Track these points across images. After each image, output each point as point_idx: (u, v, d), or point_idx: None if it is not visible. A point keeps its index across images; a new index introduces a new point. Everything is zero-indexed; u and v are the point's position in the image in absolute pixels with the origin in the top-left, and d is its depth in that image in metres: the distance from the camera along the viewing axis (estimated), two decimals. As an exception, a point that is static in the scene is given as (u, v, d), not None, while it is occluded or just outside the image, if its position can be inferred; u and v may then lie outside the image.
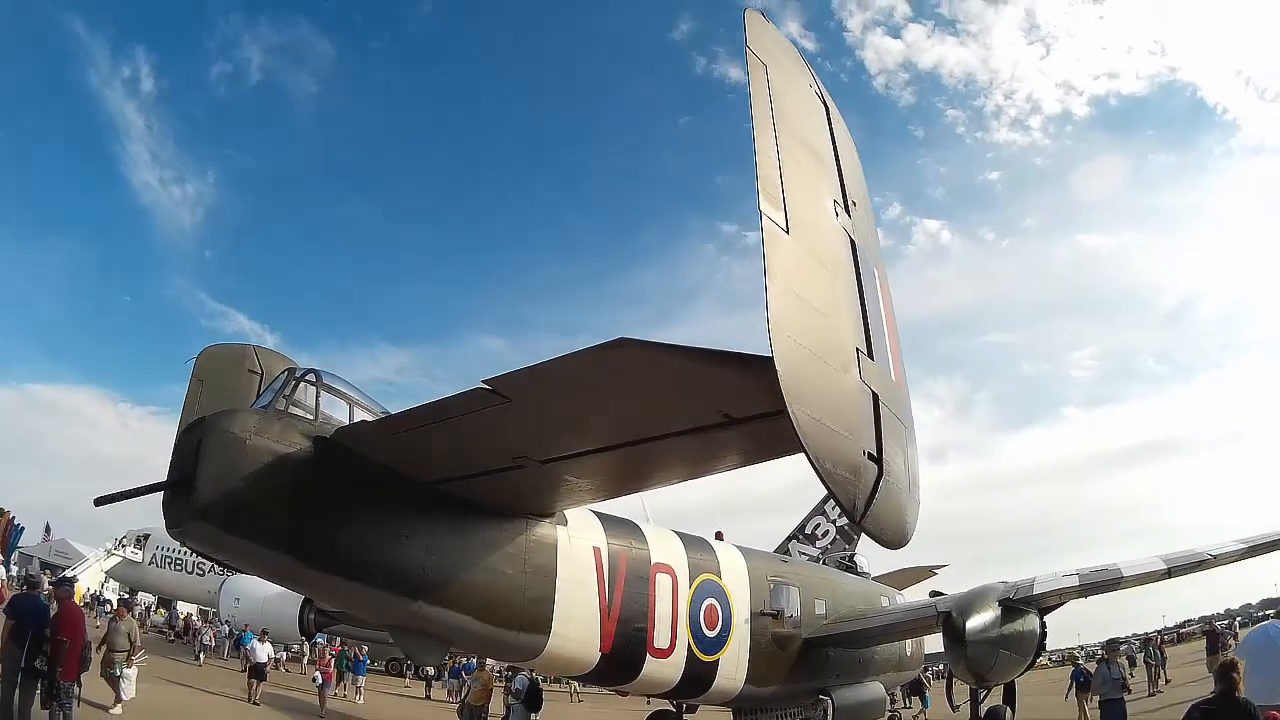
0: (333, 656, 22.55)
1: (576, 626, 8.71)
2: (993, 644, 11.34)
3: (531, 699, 15.43)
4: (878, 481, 4.57)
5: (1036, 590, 12.35)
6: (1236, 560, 12.11)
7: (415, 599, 7.29)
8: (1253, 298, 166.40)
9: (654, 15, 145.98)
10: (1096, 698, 13.08)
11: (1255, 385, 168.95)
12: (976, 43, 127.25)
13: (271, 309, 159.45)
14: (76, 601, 11.63)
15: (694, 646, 10.29)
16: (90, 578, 34.86)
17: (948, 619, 11.57)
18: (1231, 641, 22.43)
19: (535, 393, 5.42)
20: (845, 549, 18.73)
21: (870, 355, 4.98)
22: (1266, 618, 47.34)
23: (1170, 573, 12.24)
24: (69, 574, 21.46)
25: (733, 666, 10.95)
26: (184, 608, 38.21)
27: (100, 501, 7.33)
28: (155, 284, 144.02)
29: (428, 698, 28.56)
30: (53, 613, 10.75)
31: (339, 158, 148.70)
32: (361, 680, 24.10)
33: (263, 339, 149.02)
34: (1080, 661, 30.14)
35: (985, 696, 14.36)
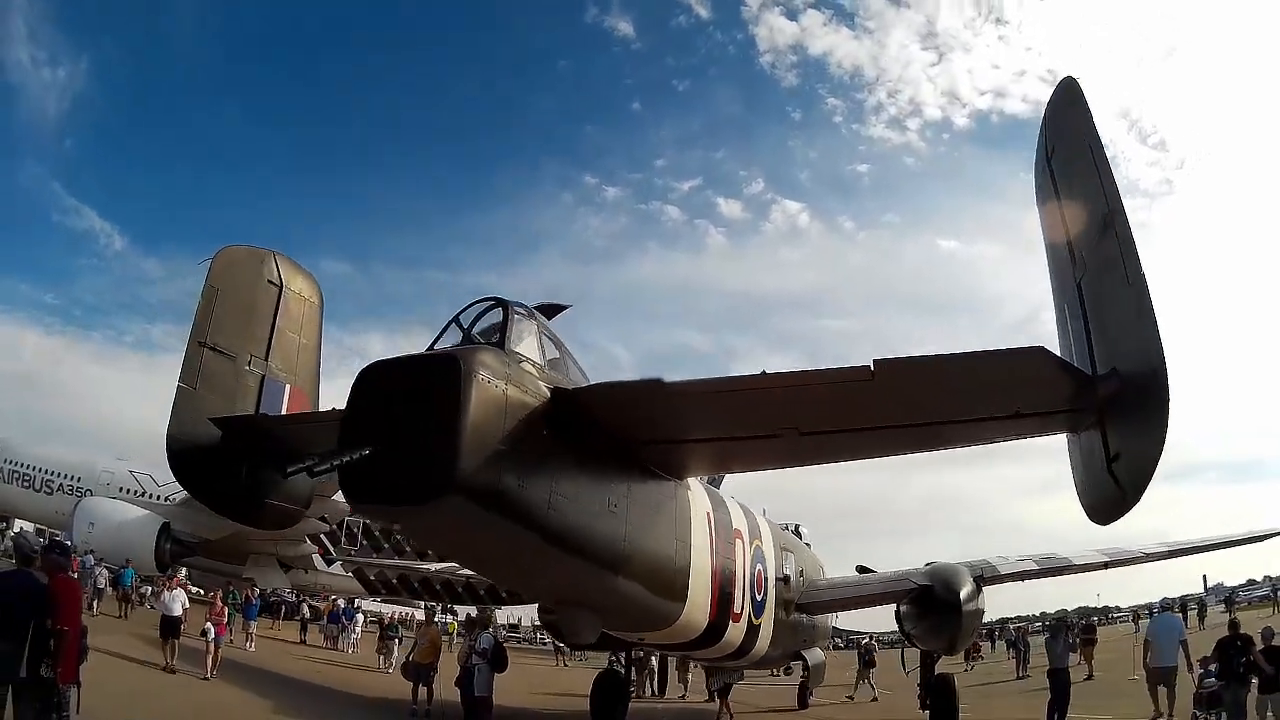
0: (226, 604, 19.70)
1: (700, 592, 8.75)
2: (974, 615, 12.71)
3: (497, 659, 14.99)
4: None
5: (1002, 570, 13.87)
6: (1162, 559, 14.24)
7: (616, 573, 6.98)
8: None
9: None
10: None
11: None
12: (871, 39, 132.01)
13: (124, 209, 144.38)
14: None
15: (751, 611, 10.61)
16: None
17: (929, 591, 12.71)
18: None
19: (913, 378, 5.46)
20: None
21: None
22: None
23: (1108, 565, 14.19)
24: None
25: (768, 628, 11.46)
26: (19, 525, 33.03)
27: (290, 473, 5.86)
28: (8, 169, 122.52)
29: (303, 641, 27.14)
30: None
31: (214, 60, 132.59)
32: (253, 626, 22.17)
33: (111, 239, 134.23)
34: None
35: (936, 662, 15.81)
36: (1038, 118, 6.55)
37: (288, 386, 10.05)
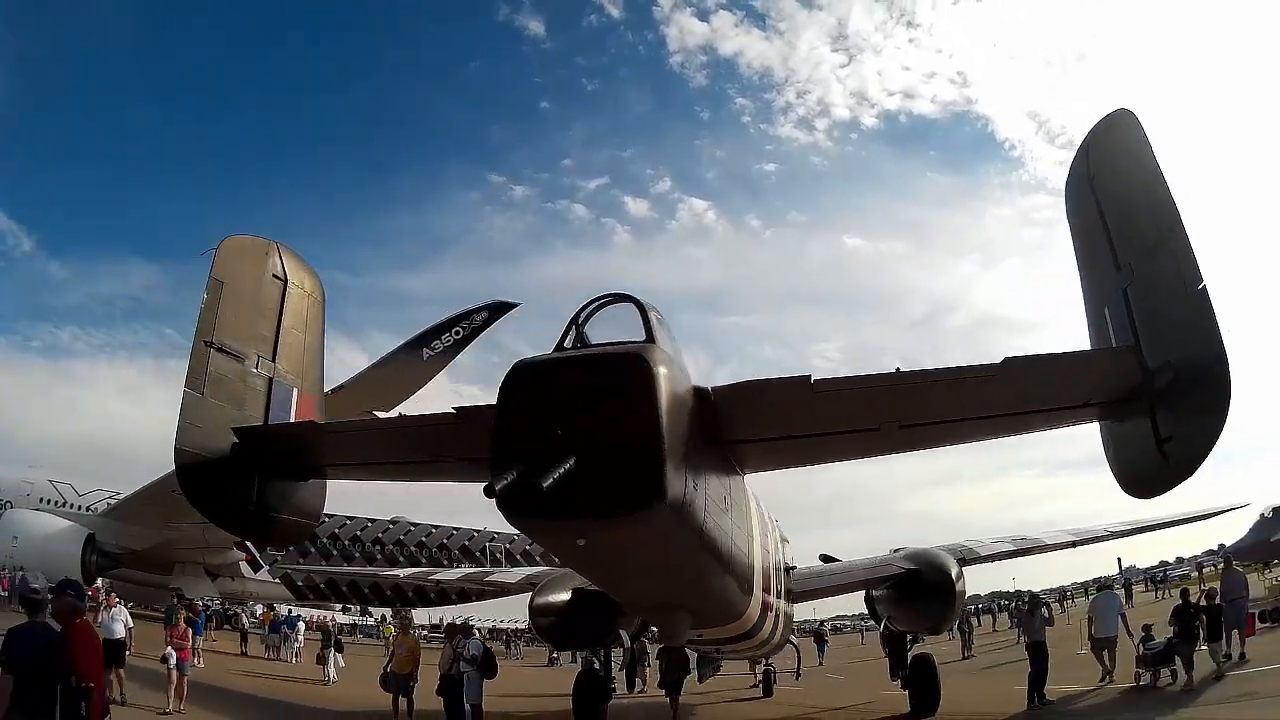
0: (189, 623, 17.71)
1: (758, 585, 8.86)
2: (962, 595, 13.35)
3: (487, 666, 14.59)
4: None
5: (982, 552, 14.62)
6: (1128, 536, 15.36)
7: (725, 572, 6.89)
8: (1002, 316, 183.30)
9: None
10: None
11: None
12: (782, 40, 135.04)
13: (31, 209, 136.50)
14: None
15: (777, 600, 10.80)
16: None
17: (915, 575, 13.25)
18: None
19: (1031, 374, 5.71)
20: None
21: None
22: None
23: (1075, 544, 15.18)
24: None
25: (782, 617, 11.71)
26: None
27: (491, 492, 4.96)
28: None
29: (244, 653, 25.87)
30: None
31: (124, 62, 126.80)
32: (200, 641, 20.58)
33: (19, 240, 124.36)
34: None
35: (913, 644, 16.44)
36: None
37: (295, 390, 9.26)
